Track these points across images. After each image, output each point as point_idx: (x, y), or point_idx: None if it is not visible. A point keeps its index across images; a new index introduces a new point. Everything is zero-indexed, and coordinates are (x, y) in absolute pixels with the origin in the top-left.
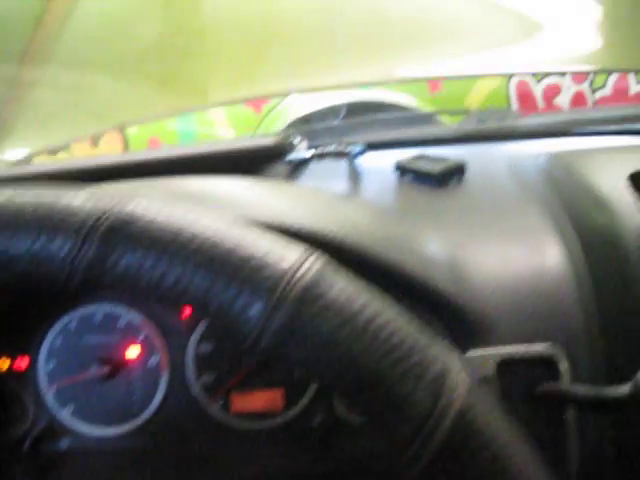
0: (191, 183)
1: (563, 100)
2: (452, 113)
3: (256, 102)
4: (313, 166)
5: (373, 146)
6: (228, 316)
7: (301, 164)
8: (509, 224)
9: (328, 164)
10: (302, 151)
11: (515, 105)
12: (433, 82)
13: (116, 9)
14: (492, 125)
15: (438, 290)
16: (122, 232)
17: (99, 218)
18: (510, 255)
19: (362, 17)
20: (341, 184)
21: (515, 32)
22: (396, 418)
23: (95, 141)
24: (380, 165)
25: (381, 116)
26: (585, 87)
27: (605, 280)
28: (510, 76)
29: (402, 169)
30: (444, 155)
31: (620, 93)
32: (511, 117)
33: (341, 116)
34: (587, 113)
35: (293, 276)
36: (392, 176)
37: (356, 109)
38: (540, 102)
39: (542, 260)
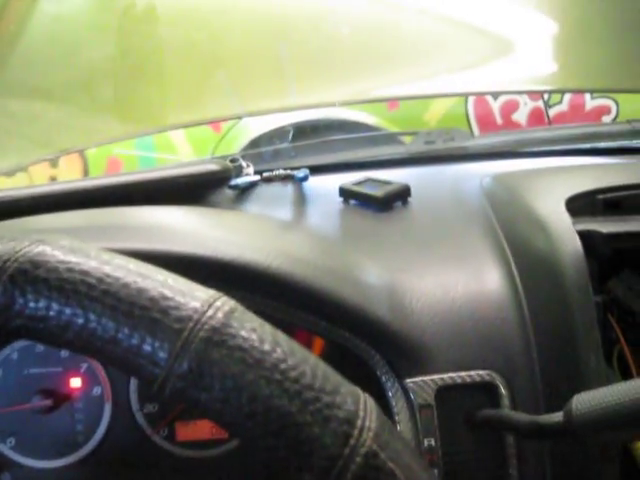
0: (127, 214)
1: (520, 116)
2: (402, 134)
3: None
4: (259, 190)
5: (319, 169)
6: (136, 360)
7: (247, 189)
8: (450, 248)
9: (274, 189)
10: (248, 176)
11: (473, 121)
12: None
13: (64, 33)
14: (440, 146)
15: (375, 318)
16: (29, 275)
17: (7, 261)
18: (449, 281)
19: (318, 39)
20: (285, 210)
21: (473, 52)
22: (304, 461)
23: (54, 162)
24: (325, 189)
25: (330, 137)
26: (541, 103)
27: (543, 306)
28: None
29: (346, 193)
30: (390, 178)
31: (576, 109)
32: (460, 137)
33: (289, 138)
34: (537, 132)
35: (200, 318)
36: (336, 201)
37: (314, 127)
38: (498, 118)
39: (481, 286)
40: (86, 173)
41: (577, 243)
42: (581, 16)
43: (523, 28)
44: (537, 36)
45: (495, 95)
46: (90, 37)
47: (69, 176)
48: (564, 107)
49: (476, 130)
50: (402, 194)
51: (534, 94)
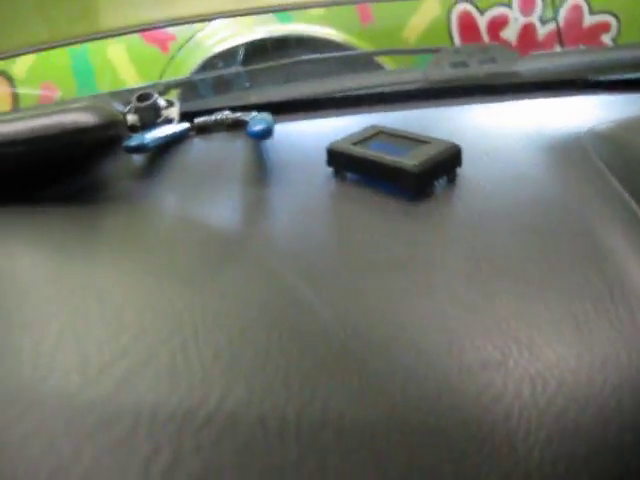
0: None
1: (510, 33)
2: (408, 53)
3: (161, 39)
4: (185, 153)
5: (287, 108)
6: None
7: (164, 150)
8: (576, 275)
9: (212, 149)
10: (166, 124)
11: (457, 38)
12: (364, 12)
13: None
14: (476, 71)
15: None
16: None
17: None
18: (598, 353)
19: None
20: (227, 207)
21: None
22: None
23: None
24: (301, 149)
25: (300, 57)
26: (534, 19)
27: None
28: (452, 4)
29: (340, 160)
30: (404, 125)
31: (573, 25)
32: (504, 59)
33: (240, 59)
34: (599, 55)
35: None
36: (322, 175)
37: (273, 47)
38: (485, 36)
39: None
40: (15, 100)
41: None
42: None
43: None
44: None
45: (483, 6)
46: None
47: None
48: (558, 24)
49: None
50: (449, 163)
51: (526, 7)
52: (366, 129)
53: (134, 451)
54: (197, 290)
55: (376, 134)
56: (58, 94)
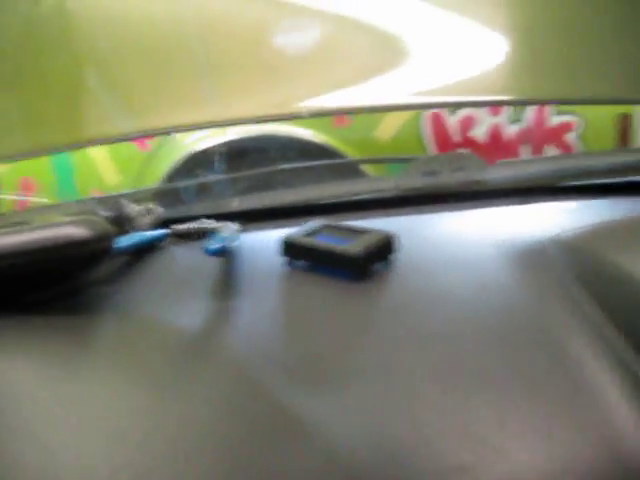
0: None
1: (479, 133)
2: (388, 161)
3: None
4: (161, 257)
5: (265, 215)
6: None
7: (144, 252)
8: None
9: (184, 253)
10: (142, 231)
11: (428, 138)
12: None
13: None
14: (446, 180)
15: None
16: None
17: None
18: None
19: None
20: (193, 307)
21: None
22: None
23: None
24: (264, 250)
25: (280, 167)
26: (502, 119)
27: None
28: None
29: (292, 250)
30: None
31: (539, 125)
32: (473, 167)
33: (218, 164)
34: (565, 162)
35: None
36: (276, 267)
37: (252, 147)
38: (455, 135)
39: None
40: None
41: None
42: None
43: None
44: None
45: (452, 110)
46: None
47: None
48: (525, 124)
49: (431, 146)
50: (385, 250)
51: (494, 108)
52: (313, 224)
53: None
54: (179, 398)
55: (323, 227)
56: (38, 190)
